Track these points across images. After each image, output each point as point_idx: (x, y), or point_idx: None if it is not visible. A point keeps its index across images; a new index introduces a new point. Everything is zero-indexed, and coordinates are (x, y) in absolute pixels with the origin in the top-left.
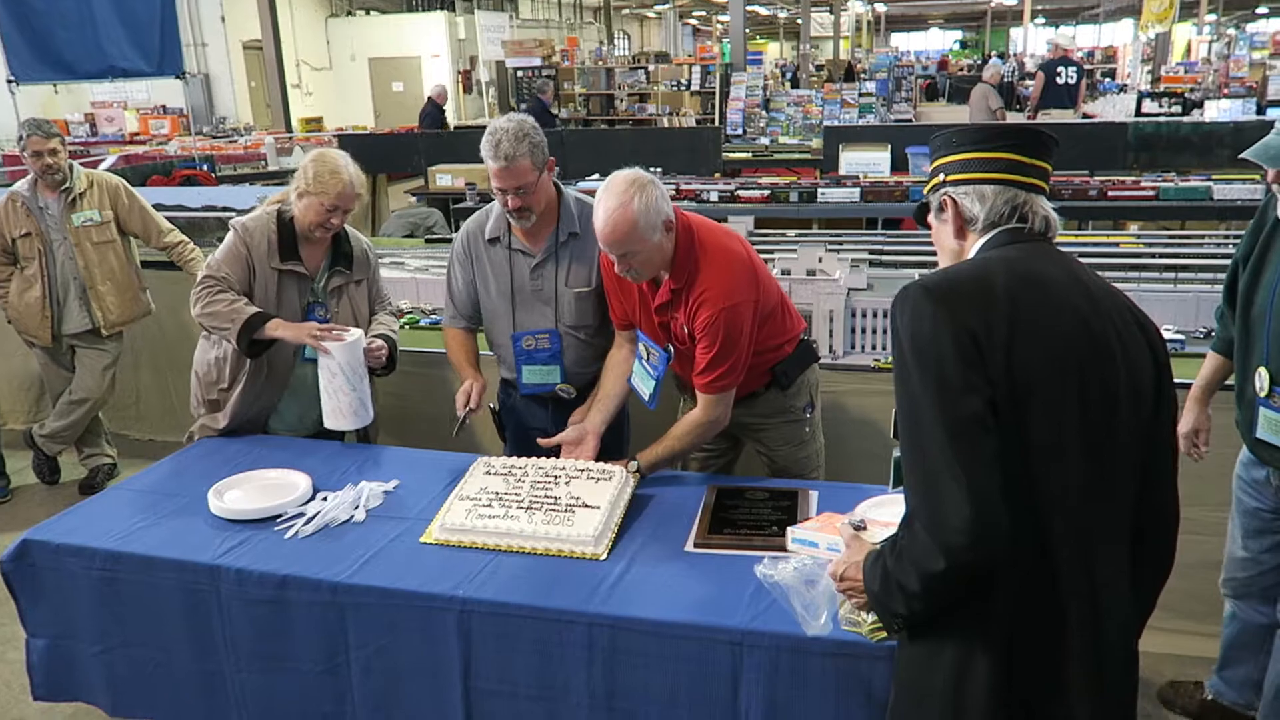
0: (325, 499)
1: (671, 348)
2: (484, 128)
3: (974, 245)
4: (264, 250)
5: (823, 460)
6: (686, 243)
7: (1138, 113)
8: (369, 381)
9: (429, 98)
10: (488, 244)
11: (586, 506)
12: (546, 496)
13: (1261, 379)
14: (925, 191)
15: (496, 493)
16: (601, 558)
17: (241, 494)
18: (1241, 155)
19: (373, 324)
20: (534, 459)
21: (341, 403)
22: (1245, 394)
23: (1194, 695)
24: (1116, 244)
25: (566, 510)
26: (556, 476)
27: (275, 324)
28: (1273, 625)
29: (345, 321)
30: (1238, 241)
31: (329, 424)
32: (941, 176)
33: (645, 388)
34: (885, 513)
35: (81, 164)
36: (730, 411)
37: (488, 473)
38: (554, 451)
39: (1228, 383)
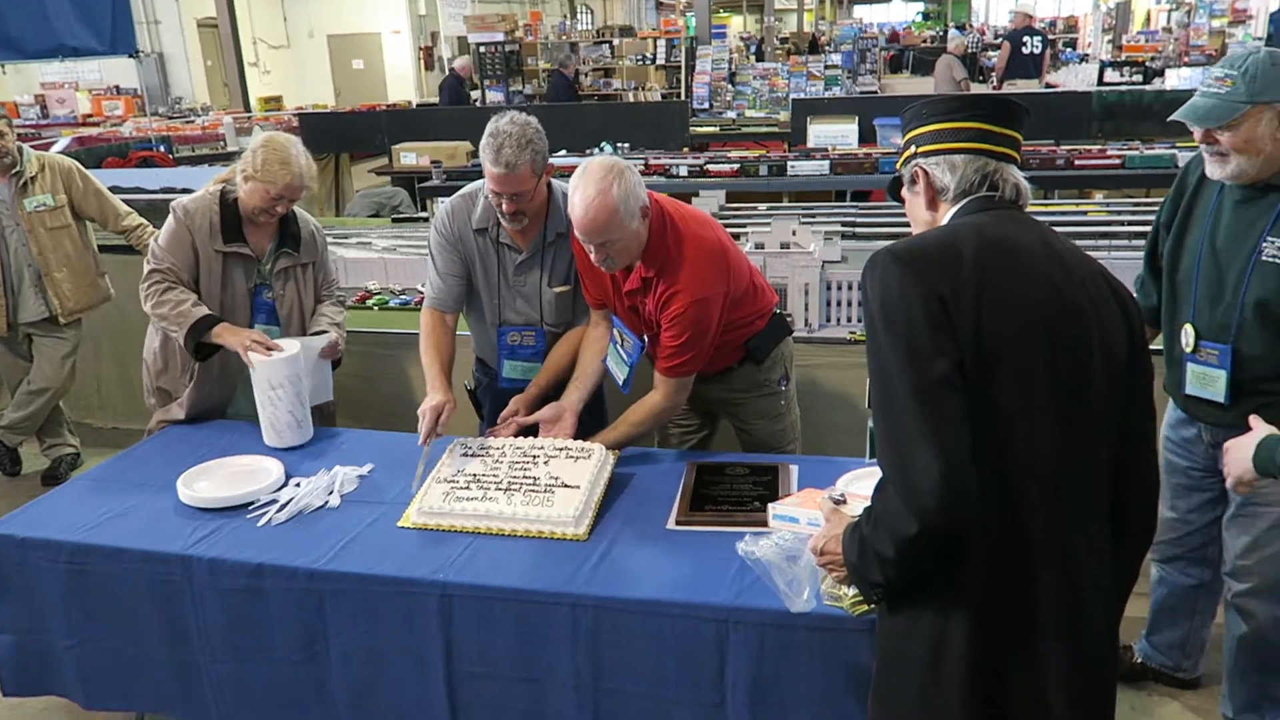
0: (298, 485)
1: (645, 336)
2: (444, 107)
3: (946, 215)
4: (206, 232)
5: (799, 433)
6: (660, 229)
7: (1100, 82)
8: (304, 397)
9: (451, 69)
10: (475, 232)
11: (566, 486)
12: (525, 477)
13: (1187, 335)
14: (898, 165)
15: (474, 474)
16: (583, 538)
17: (212, 482)
18: (1170, 118)
19: (316, 315)
20: (511, 439)
21: (263, 415)
22: (1174, 353)
23: (1123, 659)
24: (1085, 213)
25: (546, 490)
26: (535, 456)
27: (220, 330)
28: (1200, 586)
29: (291, 305)
30: None
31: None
32: (913, 149)
33: (620, 372)
34: (865, 486)
35: (32, 147)
36: (688, 395)
37: (465, 454)
38: (531, 429)
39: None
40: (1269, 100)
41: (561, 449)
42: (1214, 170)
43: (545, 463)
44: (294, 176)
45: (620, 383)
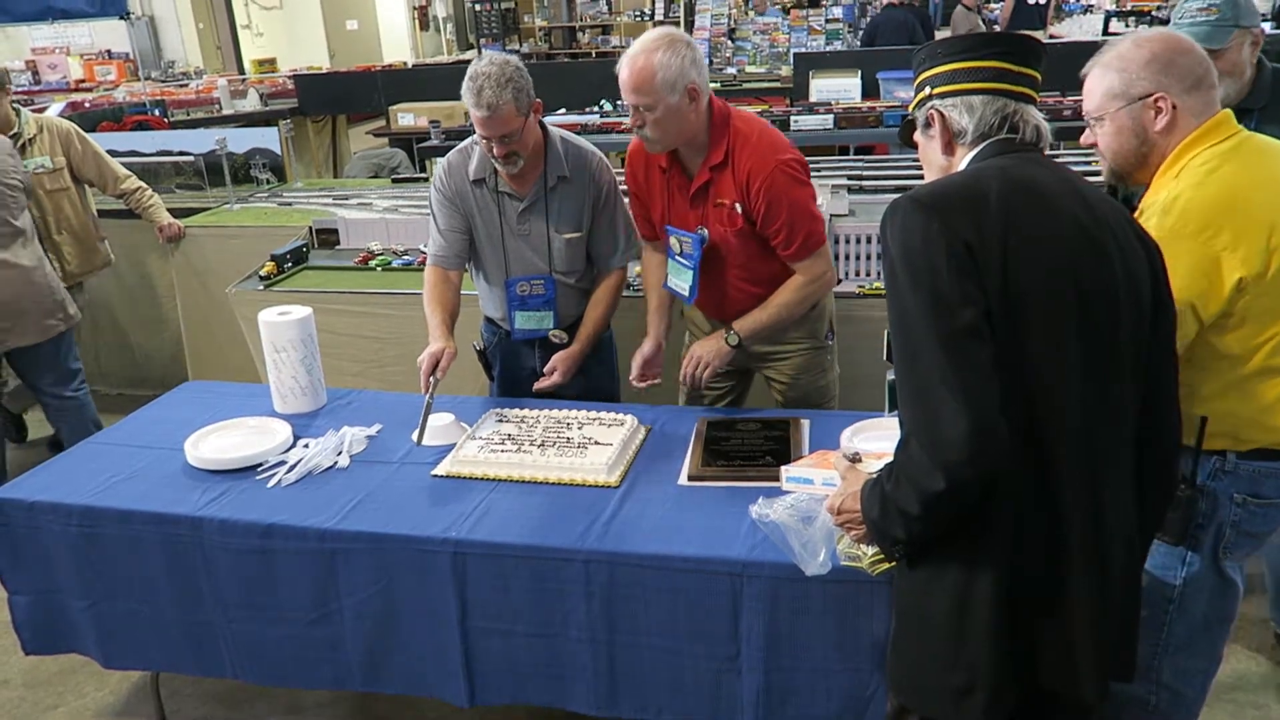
0: (307, 446)
1: (705, 230)
2: (442, 66)
3: (963, 159)
4: None
5: (838, 389)
6: (722, 118)
7: (1105, 32)
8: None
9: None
10: (473, 185)
11: (599, 444)
12: (560, 437)
13: None
14: (911, 108)
15: (509, 434)
16: (614, 485)
17: (219, 444)
18: None
19: None
20: (546, 410)
21: (270, 379)
22: None
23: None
24: (1091, 162)
25: (579, 447)
26: (569, 423)
27: None
28: None
29: None
30: None
31: None
32: (928, 90)
33: (683, 283)
34: (875, 442)
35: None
36: (832, 265)
37: (500, 421)
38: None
39: None
40: (1248, 25)
41: (595, 418)
42: None
43: (580, 427)
44: None
45: (685, 294)
